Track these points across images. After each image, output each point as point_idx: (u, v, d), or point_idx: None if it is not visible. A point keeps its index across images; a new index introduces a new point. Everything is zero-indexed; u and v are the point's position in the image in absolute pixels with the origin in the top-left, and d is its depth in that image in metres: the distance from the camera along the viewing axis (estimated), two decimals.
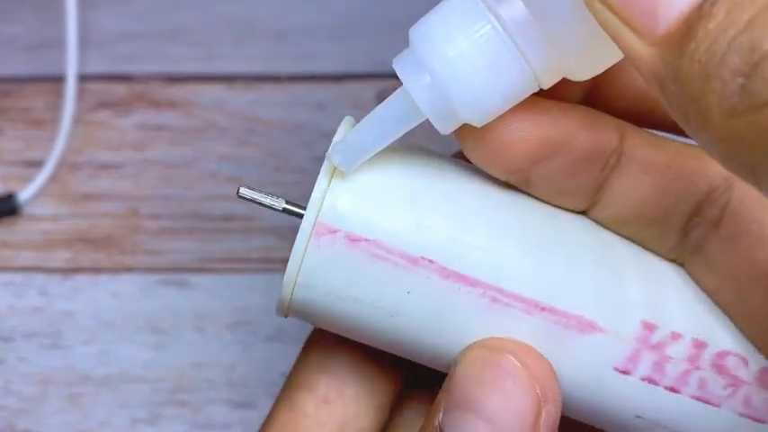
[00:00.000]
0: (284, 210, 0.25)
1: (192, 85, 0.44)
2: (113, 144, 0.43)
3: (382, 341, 0.25)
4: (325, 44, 0.45)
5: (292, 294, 0.24)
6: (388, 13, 0.45)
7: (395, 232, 0.23)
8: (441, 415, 0.23)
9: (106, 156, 0.42)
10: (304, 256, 0.23)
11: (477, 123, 0.23)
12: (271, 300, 0.39)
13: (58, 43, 0.43)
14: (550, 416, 0.22)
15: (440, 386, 0.25)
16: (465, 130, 0.24)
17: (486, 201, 0.24)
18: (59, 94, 0.43)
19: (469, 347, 0.23)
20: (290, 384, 0.27)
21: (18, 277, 0.40)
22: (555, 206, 0.25)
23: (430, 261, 0.23)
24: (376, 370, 0.27)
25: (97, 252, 0.40)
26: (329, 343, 0.27)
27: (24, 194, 0.41)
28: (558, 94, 0.24)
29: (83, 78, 0.43)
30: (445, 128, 0.23)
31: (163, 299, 0.40)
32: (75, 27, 0.42)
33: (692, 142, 0.20)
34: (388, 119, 0.24)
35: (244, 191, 0.25)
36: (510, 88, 0.22)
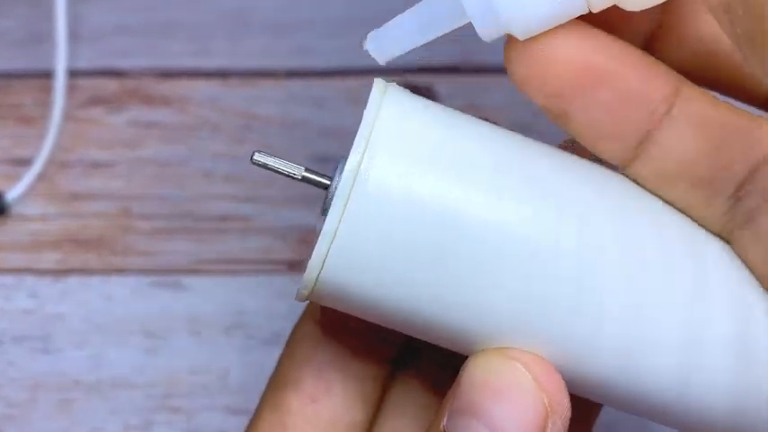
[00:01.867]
0: (303, 178, 0.24)
1: (186, 81, 0.44)
2: (105, 142, 0.43)
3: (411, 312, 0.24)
4: (323, 39, 0.45)
5: (326, 258, 0.23)
6: (388, 6, 0.46)
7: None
8: (446, 419, 0.23)
9: (97, 154, 0.43)
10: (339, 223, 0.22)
11: (521, 35, 0.23)
12: (268, 302, 0.39)
13: (48, 37, 0.43)
14: (556, 428, 0.23)
15: (428, 367, 0.26)
16: (509, 43, 0.23)
17: (529, 171, 0.24)
18: (49, 90, 0.43)
19: (480, 353, 0.23)
20: (276, 383, 0.27)
21: (7, 279, 0.40)
22: (593, 159, 0.24)
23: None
24: (362, 365, 0.27)
25: (88, 253, 0.40)
26: (314, 340, 0.27)
27: (12, 194, 0.41)
28: (616, 34, 0.23)
29: (73, 74, 0.43)
30: (487, 34, 0.23)
31: (156, 301, 0.40)
32: (64, 21, 0.42)
33: (751, 109, 0.20)
34: (429, 16, 0.24)
35: (258, 156, 0.24)
36: (557, 1, 0.22)
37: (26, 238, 0.41)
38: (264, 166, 0.24)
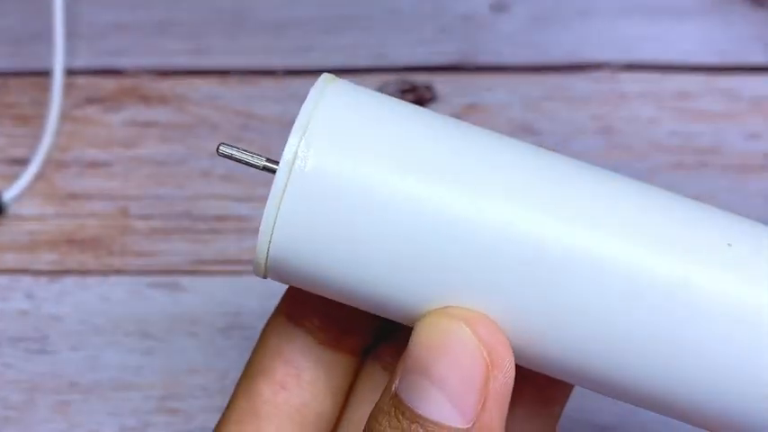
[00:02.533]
0: (264, 168, 0.26)
1: (184, 80, 0.44)
2: (102, 141, 0.43)
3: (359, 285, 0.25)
4: (322, 36, 0.45)
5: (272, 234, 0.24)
6: (389, 3, 0.46)
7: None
8: (398, 381, 0.24)
9: (94, 153, 0.43)
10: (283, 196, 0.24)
11: None
12: (266, 303, 0.39)
13: (45, 36, 0.43)
14: (498, 382, 0.24)
15: (395, 358, 0.27)
16: None
17: (463, 155, 0.25)
18: (45, 89, 0.43)
19: (427, 314, 0.25)
20: (248, 372, 0.29)
21: (3, 280, 0.40)
22: None
23: None
24: (331, 355, 0.29)
25: (85, 253, 0.40)
26: (285, 332, 0.28)
27: (9, 194, 0.41)
28: None
29: (70, 72, 0.44)
30: None
31: (153, 302, 0.40)
32: (61, 19, 0.42)
33: None
34: None
35: (224, 148, 0.26)
36: None
37: (23, 238, 0.41)
38: (230, 157, 0.26)
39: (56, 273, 0.40)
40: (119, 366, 0.39)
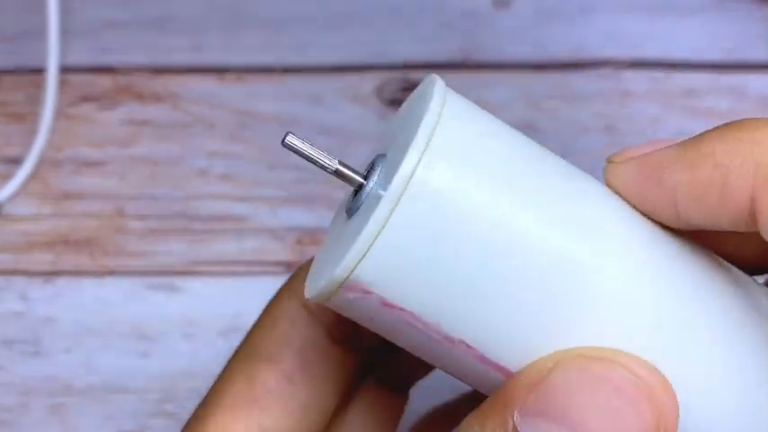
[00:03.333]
0: (336, 172, 0.23)
1: (180, 78, 0.45)
2: (97, 140, 0.43)
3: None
4: (321, 33, 0.45)
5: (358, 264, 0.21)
6: (387, 1, 0.46)
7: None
8: (516, 414, 0.21)
9: (89, 152, 0.43)
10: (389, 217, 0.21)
11: None
12: (265, 304, 0.39)
13: (39, 33, 0.43)
14: None
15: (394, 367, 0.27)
16: None
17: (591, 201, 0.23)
18: (39, 87, 0.43)
19: (569, 352, 0.22)
20: (251, 354, 0.27)
21: None
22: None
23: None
24: (341, 354, 0.27)
25: (80, 254, 0.41)
26: (297, 319, 0.27)
27: (3, 193, 0.41)
28: None
29: (64, 70, 0.44)
30: None
31: (150, 304, 0.40)
32: (56, 16, 0.43)
33: None
34: None
35: (291, 138, 0.23)
36: None
37: (16, 238, 0.41)
38: (295, 151, 0.23)
39: (50, 274, 0.40)
40: (114, 369, 0.39)
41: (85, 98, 0.44)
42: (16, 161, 0.42)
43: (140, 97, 0.44)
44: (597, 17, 0.46)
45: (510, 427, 0.21)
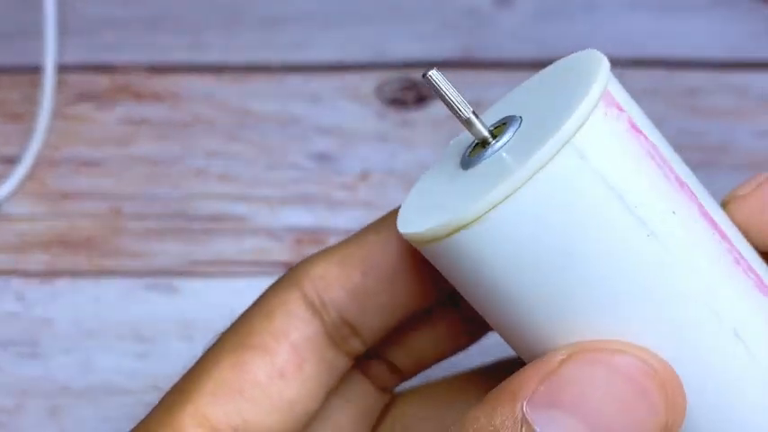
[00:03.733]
0: (467, 120, 0.23)
1: (179, 76, 0.45)
2: (94, 139, 0.43)
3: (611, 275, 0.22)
4: (320, 31, 0.45)
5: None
6: None
7: (667, 147, 0.23)
8: (526, 405, 0.21)
9: (87, 152, 0.43)
10: (583, 124, 0.21)
11: None
12: None
13: (35, 31, 0.43)
14: None
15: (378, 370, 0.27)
16: None
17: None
18: (37, 86, 0.43)
19: (581, 344, 0.22)
20: (241, 343, 0.26)
21: None
22: None
23: (692, 192, 0.22)
24: (335, 353, 0.26)
25: (77, 254, 0.41)
26: (298, 312, 0.26)
27: None
28: None
29: (61, 69, 0.44)
30: None
31: (148, 305, 0.40)
32: (53, 14, 0.43)
33: None
34: None
35: (434, 73, 0.23)
36: None
37: (13, 238, 0.41)
38: (435, 88, 0.23)
39: (47, 274, 0.40)
40: (112, 370, 0.39)
41: (83, 97, 0.44)
42: (13, 161, 0.42)
43: (138, 96, 0.44)
44: (599, 15, 0.46)
45: (519, 417, 0.21)
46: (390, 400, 0.29)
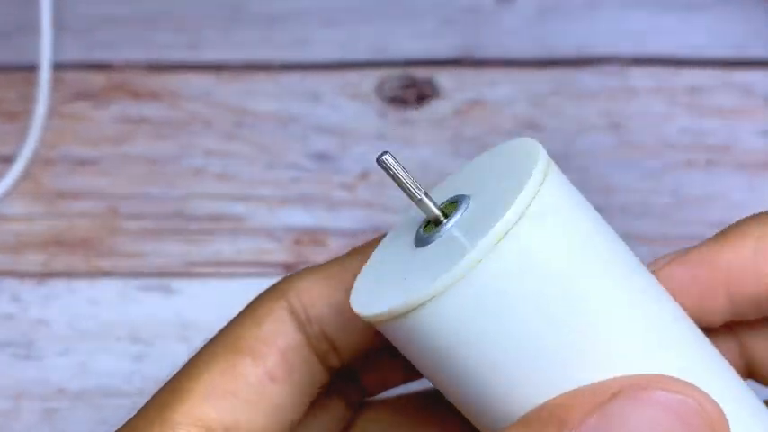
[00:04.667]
0: (420, 201, 0.25)
1: (177, 75, 0.45)
2: (91, 138, 0.44)
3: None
4: (319, 29, 0.46)
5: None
6: None
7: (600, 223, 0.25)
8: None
9: (83, 151, 0.43)
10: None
11: None
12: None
13: (31, 29, 0.43)
14: None
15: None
16: None
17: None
18: (32, 84, 0.43)
19: (634, 378, 0.23)
20: (231, 346, 0.27)
21: None
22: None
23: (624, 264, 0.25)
24: (316, 364, 0.27)
25: (73, 255, 0.41)
26: (284, 321, 0.27)
27: None
28: None
29: (58, 67, 0.44)
30: None
31: (144, 306, 0.40)
32: (49, 11, 0.43)
33: None
34: None
35: (388, 158, 0.25)
36: None
37: (9, 239, 0.41)
38: (387, 170, 0.25)
39: (43, 275, 0.41)
40: (108, 372, 0.39)
41: (79, 95, 0.45)
42: (8, 160, 0.42)
43: (135, 95, 0.45)
44: (602, 13, 0.47)
45: None
46: (359, 408, 0.30)
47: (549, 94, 0.46)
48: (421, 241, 0.25)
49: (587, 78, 0.46)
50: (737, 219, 0.28)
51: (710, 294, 0.26)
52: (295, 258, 0.41)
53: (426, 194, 0.24)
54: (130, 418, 0.27)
